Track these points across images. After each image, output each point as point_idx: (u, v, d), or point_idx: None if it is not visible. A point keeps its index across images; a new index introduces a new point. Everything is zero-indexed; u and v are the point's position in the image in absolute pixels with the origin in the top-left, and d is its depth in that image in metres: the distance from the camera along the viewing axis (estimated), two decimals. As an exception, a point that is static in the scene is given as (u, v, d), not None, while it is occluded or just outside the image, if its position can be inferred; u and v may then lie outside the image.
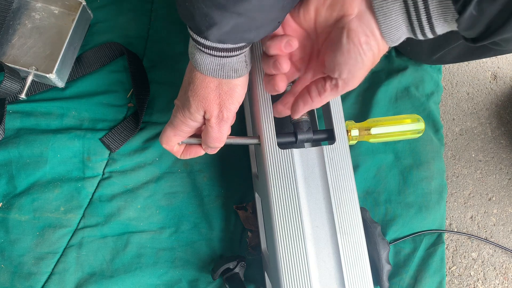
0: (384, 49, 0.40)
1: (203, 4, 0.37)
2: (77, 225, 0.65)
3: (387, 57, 0.78)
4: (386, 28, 0.38)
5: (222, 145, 0.51)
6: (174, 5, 0.76)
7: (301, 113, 0.47)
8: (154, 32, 0.74)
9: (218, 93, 0.46)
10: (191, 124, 0.49)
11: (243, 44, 0.43)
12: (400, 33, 0.39)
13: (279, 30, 0.44)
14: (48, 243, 0.63)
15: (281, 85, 0.45)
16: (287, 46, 0.43)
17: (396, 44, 0.40)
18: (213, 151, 0.53)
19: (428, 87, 0.77)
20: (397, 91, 0.75)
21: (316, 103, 0.45)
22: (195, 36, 0.42)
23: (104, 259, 0.64)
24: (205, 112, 0.47)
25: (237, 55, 0.44)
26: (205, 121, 0.49)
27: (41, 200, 0.64)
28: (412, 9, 0.37)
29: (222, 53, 0.42)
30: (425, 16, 0.37)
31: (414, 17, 0.37)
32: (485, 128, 0.83)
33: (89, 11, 0.68)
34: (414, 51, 0.75)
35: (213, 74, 0.44)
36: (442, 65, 0.80)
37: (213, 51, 0.42)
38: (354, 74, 0.40)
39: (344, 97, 0.75)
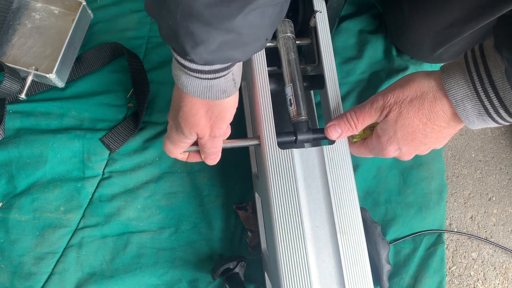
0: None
1: (189, 22, 0.35)
2: (77, 225, 0.65)
3: (387, 56, 0.78)
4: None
5: (218, 155, 0.51)
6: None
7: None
8: (154, 32, 0.74)
9: (209, 117, 0.45)
10: (187, 141, 0.50)
11: (229, 63, 0.41)
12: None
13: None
14: (48, 243, 0.63)
15: None
16: None
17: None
18: (211, 161, 0.53)
19: (428, 87, 0.77)
20: (397, 91, 0.75)
21: None
22: (179, 58, 0.40)
23: (104, 259, 0.64)
24: (197, 134, 0.47)
25: (225, 75, 0.42)
26: (198, 139, 0.49)
27: (41, 200, 0.64)
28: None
29: (209, 75, 0.41)
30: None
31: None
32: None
33: (89, 11, 0.68)
34: (415, 48, 0.74)
35: (201, 95, 0.43)
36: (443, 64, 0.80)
37: (200, 74, 0.41)
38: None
39: (344, 97, 0.75)
